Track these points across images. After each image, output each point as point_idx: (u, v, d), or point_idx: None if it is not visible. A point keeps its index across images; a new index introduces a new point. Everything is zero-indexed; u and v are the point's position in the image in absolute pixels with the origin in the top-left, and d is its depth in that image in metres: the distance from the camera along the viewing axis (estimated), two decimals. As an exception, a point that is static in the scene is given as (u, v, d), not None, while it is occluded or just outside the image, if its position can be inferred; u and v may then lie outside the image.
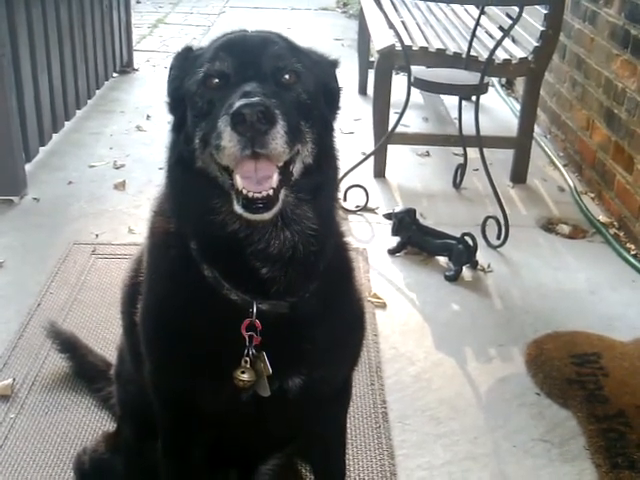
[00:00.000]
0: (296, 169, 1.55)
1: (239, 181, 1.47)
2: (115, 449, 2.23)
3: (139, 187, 4.31)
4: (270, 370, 1.64)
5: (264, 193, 1.46)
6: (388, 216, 3.79)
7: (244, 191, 1.46)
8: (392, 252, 3.72)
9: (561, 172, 4.74)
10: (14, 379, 2.76)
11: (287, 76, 1.55)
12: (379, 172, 4.56)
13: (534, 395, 2.80)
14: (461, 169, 4.46)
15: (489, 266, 3.63)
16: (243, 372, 1.63)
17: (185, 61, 1.66)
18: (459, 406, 2.73)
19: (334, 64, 1.75)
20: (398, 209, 3.75)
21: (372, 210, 4.15)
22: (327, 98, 1.69)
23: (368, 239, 3.87)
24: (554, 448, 2.55)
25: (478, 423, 2.66)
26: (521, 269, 3.65)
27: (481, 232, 3.81)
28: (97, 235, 3.79)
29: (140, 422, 2.13)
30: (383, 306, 3.28)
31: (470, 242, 3.57)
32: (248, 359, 1.64)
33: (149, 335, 1.80)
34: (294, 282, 1.62)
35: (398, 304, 3.32)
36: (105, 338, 3.00)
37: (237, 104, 1.40)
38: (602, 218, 4.15)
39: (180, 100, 1.63)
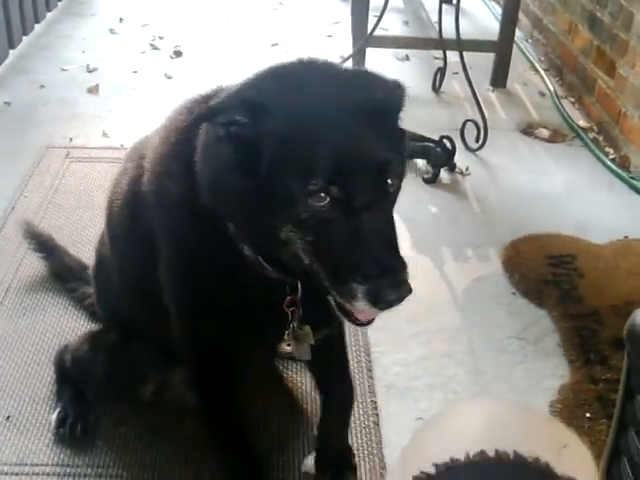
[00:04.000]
0: None
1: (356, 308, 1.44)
2: (98, 348, 2.22)
3: (113, 91, 4.23)
4: (313, 340, 1.69)
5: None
6: (367, 119, 3.73)
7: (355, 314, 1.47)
8: (370, 155, 3.68)
9: (542, 76, 4.69)
10: (-10, 281, 2.75)
11: (390, 182, 1.41)
12: (358, 76, 4.46)
13: (510, 295, 2.82)
14: (441, 73, 4.39)
15: (467, 169, 3.62)
16: (288, 345, 1.69)
17: (262, 124, 1.38)
18: (436, 305, 2.75)
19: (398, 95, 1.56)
20: (377, 112, 3.69)
21: (351, 114, 4.08)
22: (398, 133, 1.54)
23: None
24: (529, 345, 2.59)
25: (454, 322, 2.69)
26: (499, 172, 3.65)
27: (460, 135, 3.78)
28: (71, 139, 3.73)
29: (124, 325, 2.16)
30: (361, 209, 3.26)
31: (448, 145, 3.54)
32: (292, 331, 1.67)
33: (182, 302, 1.76)
34: None
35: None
36: (81, 241, 2.98)
37: (383, 296, 1.34)
38: (582, 122, 4.12)
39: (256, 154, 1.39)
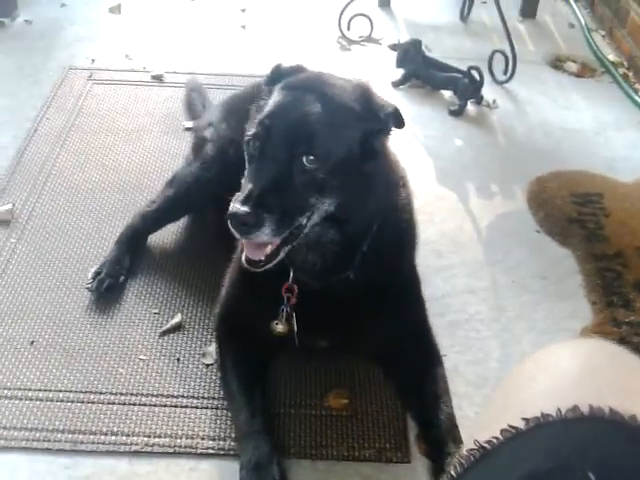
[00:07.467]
0: (312, 221, 1.74)
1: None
2: None
3: (135, 11, 4.14)
4: (295, 327, 1.93)
5: (257, 258, 1.73)
6: (393, 47, 3.67)
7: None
8: (396, 85, 3.63)
9: (572, 7, 4.55)
10: (14, 204, 2.73)
11: (304, 160, 1.67)
12: (384, 1, 4.37)
13: (534, 232, 2.80)
14: (469, 0, 4.28)
15: (494, 102, 3.55)
16: (277, 324, 1.95)
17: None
18: (460, 240, 2.74)
19: (380, 119, 1.83)
20: (403, 40, 3.63)
21: (376, 41, 4.01)
22: (364, 148, 1.78)
23: (371, 71, 3.75)
24: (551, 285, 2.58)
25: (478, 257, 2.68)
26: (526, 106, 3.58)
27: (488, 67, 3.69)
28: (93, 60, 3.67)
29: None
30: (386, 140, 3.22)
31: (476, 76, 3.47)
32: (284, 314, 1.94)
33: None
34: (323, 271, 1.88)
35: (401, 137, 3.25)
36: (104, 165, 2.97)
37: (231, 207, 1.62)
38: (612, 57, 4.02)
39: None
